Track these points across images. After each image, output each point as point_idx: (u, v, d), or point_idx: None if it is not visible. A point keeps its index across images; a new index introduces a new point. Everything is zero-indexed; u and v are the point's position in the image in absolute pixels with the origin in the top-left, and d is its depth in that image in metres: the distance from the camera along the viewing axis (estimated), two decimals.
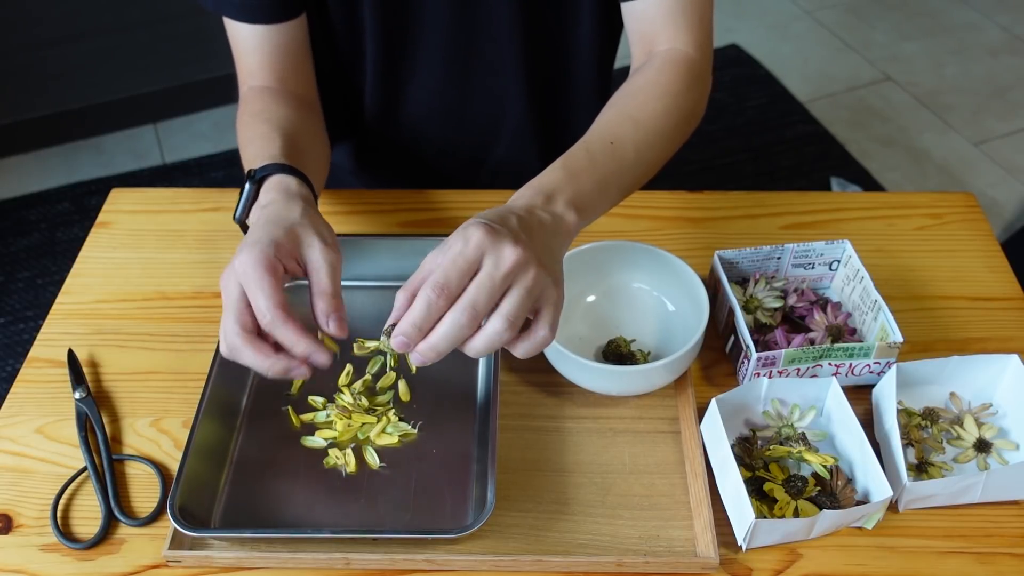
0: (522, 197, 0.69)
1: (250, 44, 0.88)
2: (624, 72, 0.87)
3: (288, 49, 0.89)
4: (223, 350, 0.66)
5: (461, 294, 0.61)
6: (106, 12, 2.17)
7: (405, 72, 0.98)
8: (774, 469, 0.71)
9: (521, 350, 0.64)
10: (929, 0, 2.80)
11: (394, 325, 0.63)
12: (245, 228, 0.75)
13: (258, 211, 0.72)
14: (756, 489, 0.70)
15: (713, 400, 0.70)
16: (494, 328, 0.61)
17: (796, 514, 0.68)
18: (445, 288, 0.60)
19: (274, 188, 0.73)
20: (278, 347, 0.65)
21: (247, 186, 0.75)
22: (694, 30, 0.85)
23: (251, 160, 0.78)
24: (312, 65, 0.94)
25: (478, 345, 0.62)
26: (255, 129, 0.82)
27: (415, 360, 0.63)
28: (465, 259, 0.60)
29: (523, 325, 0.63)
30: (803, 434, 0.73)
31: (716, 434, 0.70)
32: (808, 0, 2.83)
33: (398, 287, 0.86)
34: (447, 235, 0.88)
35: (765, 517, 0.68)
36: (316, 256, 0.67)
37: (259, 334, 0.64)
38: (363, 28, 0.94)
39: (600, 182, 0.72)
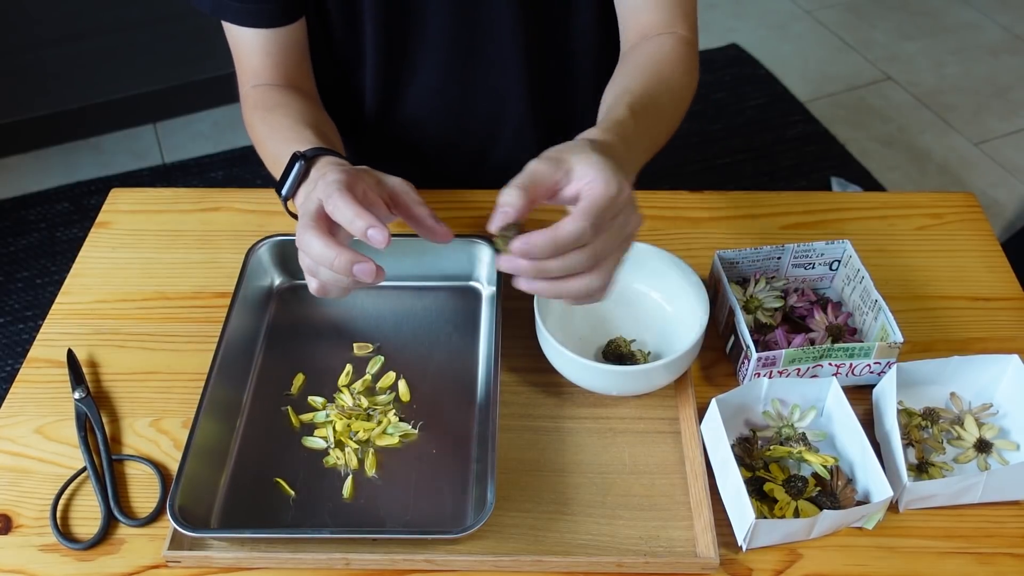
0: (614, 146, 0.68)
1: (254, 47, 0.89)
2: None
3: (291, 50, 0.90)
4: (297, 239, 0.66)
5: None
6: (106, 12, 2.17)
7: (406, 72, 0.98)
8: (774, 469, 0.71)
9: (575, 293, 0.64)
10: (929, 0, 2.80)
11: (514, 229, 0.62)
12: (291, 214, 0.75)
13: (311, 185, 0.72)
14: (756, 489, 0.70)
15: (713, 400, 0.70)
16: (608, 268, 0.63)
17: (796, 514, 0.68)
18: (598, 229, 0.60)
19: (327, 164, 0.73)
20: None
21: (298, 164, 0.74)
22: (687, 15, 0.88)
23: (281, 150, 0.78)
24: (310, 61, 0.95)
25: (585, 285, 0.62)
26: (278, 121, 0.83)
27: (526, 286, 0.62)
28: (616, 207, 0.61)
29: None
30: (803, 434, 0.73)
31: (716, 434, 0.70)
32: (808, 0, 2.83)
33: (399, 287, 0.87)
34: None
35: (765, 517, 0.68)
36: (397, 180, 0.71)
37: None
38: (363, 29, 0.94)
39: (649, 140, 0.75)
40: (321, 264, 0.65)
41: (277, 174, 0.78)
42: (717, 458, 0.70)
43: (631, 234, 0.64)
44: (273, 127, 0.83)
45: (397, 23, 0.93)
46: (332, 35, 0.96)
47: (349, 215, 0.63)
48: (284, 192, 0.75)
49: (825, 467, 0.71)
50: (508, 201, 0.62)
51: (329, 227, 0.66)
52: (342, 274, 0.64)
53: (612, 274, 0.63)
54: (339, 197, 0.64)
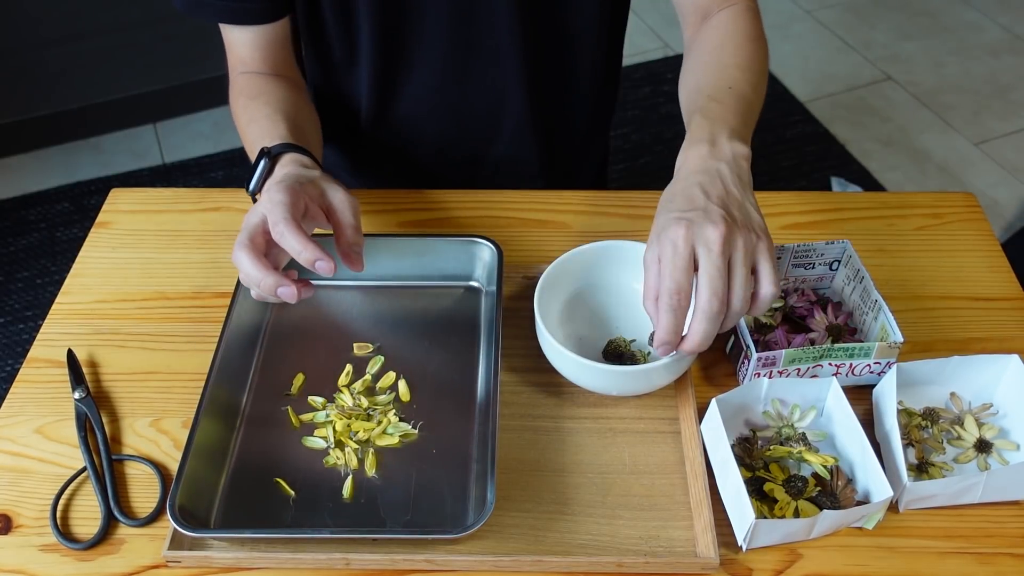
0: (689, 159, 0.72)
1: (241, 40, 0.91)
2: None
3: (277, 43, 0.92)
4: (232, 256, 0.71)
5: (692, 288, 0.66)
6: (106, 12, 2.17)
7: (403, 69, 0.98)
8: (774, 469, 0.71)
9: (757, 310, 0.68)
10: (930, 0, 2.80)
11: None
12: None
13: (274, 182, 0.75)
14: (756, 489, 0.70)
15: (713, 400, 0.70)
16: (736, 310, 0.66)
17: (796, 514, 0.68)
18: (680, 291, 0.66)
19: (290, 163, 0.77)
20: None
21: (263, 161, 0.78)
22: None
23: (256, 140, 0.81)
24: (298, 53, 0.96)
25: (728, 325, 0.68)
26: (258, 110, 0.85)
27: (684, 354, 0.70)
28: (682, 259, 0.66)
29: None
30: (803, 434, 0.73)
31: (716, 434, 0.70)
32: (808, 0, 2.83)
33: (398, 287, 0.87)
34: (447, 235, 0.89)
35: (765, 517, 0.68)
36: (340, 197, 0.74)
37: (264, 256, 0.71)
38: (359, 27, 0.94)
39: (741, 116, 0.76)
40: (250, 283, 0.70)
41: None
42: (717, 458, 0.70)
43: (721, 254, 0.65)
44: (252, 116, 0.86)
45: (393, 21, 0.93)
46: (327, 34, 0.96)
47: (296, 247, 0.69)
48: (251, 188, 0.78)
49: (825, 467, 0.71)
50: (651, 316, 0.69)
51: (266, 242, 0.71)
52: (268, 294, 0.70)
53: (746, 296, 0.66)
54: (285, 227, 0.69)
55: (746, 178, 0.71)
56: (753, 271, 0.67)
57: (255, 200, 0.77)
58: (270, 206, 0.70)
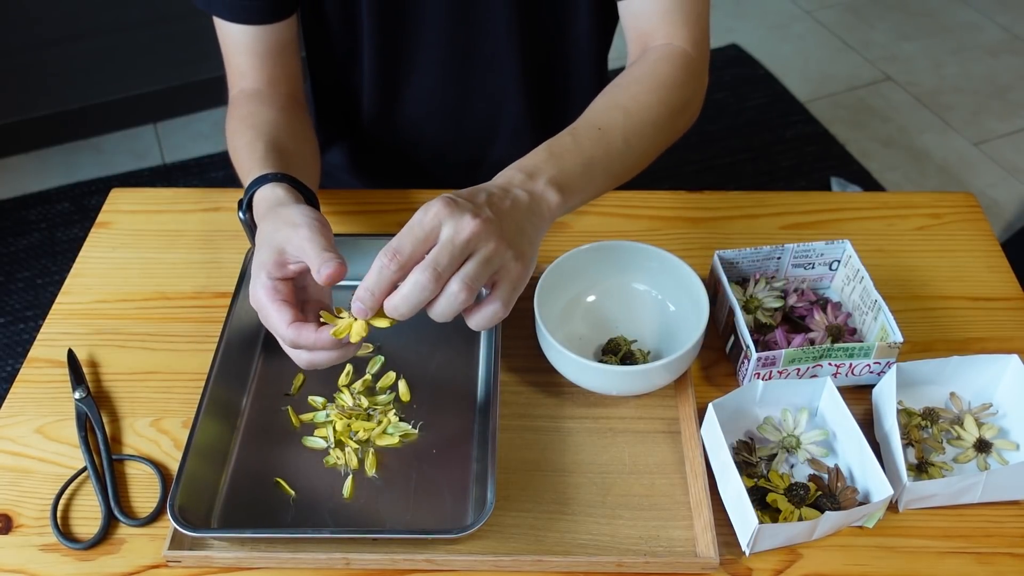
0: (502, 176, 0.69)
1: (240, 45, 0.89)
2: (619, 73, 0.87)
3: (277, 50, 0.90)
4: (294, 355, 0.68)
5: (416, 262, 0.61)
6: (106, 12, 2.17)
7: (402, 72, 0.98)
8: (774, 477, 0.71)
9: (474, 321, 0.65)
10: (929, 0, 2.80)
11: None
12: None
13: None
14: (759, 499, 0.70)
15: (710, 405, 0.70)
16: (452, 290, 0.61)
17: (799, 519, 0.68)
18: (397, 253, 0.61)
19: (258, 209, 0.75)
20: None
21: (241, 216, 0.78)
22: (691, 27, 0.86)
23: (240, 170, 0.82)
24: (300, 63, 0.95)
25: (439, 308, 0.62)
26: (242, 137, 0.84)
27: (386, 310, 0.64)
28: (422, 228, 0.61)
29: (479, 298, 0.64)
30: (803, 445, 0.73)
31: (715, 439, 0.70)
32: (808, 0, 2.83)
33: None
34: None
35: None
36: (306, 251, 0.66)
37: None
38: (360, 28, 0.94)
39: (585, 165, 0.72)
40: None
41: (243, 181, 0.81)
42: (717, 463, 0.70)
43: (465, 243, 0.61)
44: (237, 143, 0.85)
45: (393, 24, 0.93)
46: (329, 35, 0.96)
47: (313, 342, 0.65)
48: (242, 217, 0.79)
49: (823, 472, 0.71)
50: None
51: (292, 289, 0.68)
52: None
53: (468, 287, 0.61)
54: (296, 337, 0.65)
55: (539, 220, 0.67)
56: (495, 287, 0.64)
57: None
58: (257, 305, 0.67)
